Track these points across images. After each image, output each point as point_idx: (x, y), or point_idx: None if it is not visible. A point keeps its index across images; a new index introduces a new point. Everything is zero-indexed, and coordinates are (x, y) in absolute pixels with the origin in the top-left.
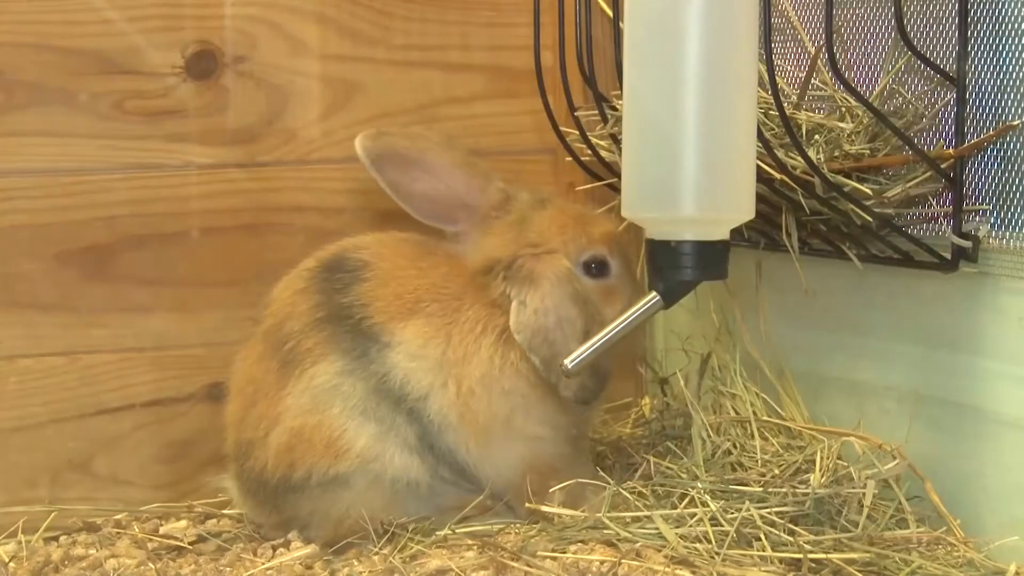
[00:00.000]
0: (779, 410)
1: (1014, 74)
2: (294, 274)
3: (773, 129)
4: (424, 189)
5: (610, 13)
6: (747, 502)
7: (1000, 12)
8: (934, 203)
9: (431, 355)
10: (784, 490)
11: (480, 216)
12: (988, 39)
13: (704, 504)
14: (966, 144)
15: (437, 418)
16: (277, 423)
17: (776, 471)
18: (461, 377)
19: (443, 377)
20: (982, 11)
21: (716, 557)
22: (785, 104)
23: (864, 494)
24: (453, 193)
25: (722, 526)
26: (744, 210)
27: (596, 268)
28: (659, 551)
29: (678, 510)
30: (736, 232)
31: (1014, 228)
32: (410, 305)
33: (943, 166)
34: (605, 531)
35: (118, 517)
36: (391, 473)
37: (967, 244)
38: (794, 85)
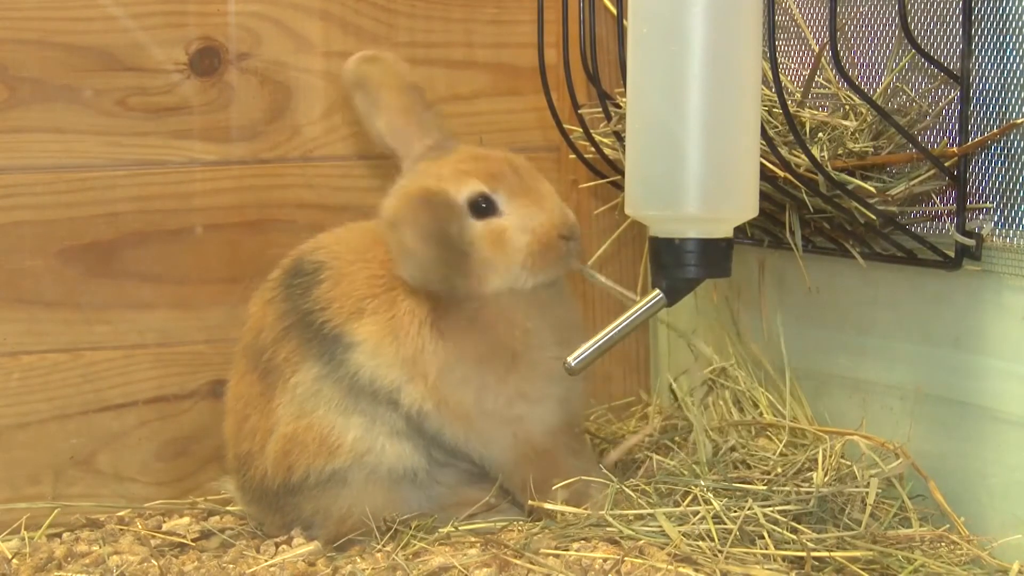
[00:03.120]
0: (782, 408)
1: (1018, 72)
2: (264, 286)
3: (777, 127)
4: (379, 126)
5: (614, 11)
6: (750, 500)
7: (1004, 10)
8: (938, 201)
9: (387, 352)
10: (787, 488)
11: (404, 169)
12: (992, 37)
13: (707, 502)
14: (970, 142)
15: (414, 408)
16: (272, 433)
17: (779, 469)
18: (424, 373)
19: (407, 373)
20: (986, 9)
21: (719, 555)
22: (789, 102)
23: (867, 492)
24: (392, 135)
25: (725, 524)
26: (748, 208)
27: (485, 206)
28: (662, 549)
29: (681, 508)
30: (739, 230)
31: (1018, 226)
32: (357, 303)
33: (947, 164)
34: (608, 529)
35: (121, 514)
36: (387, 464)
37: (970, 242)
38: (798, 83)
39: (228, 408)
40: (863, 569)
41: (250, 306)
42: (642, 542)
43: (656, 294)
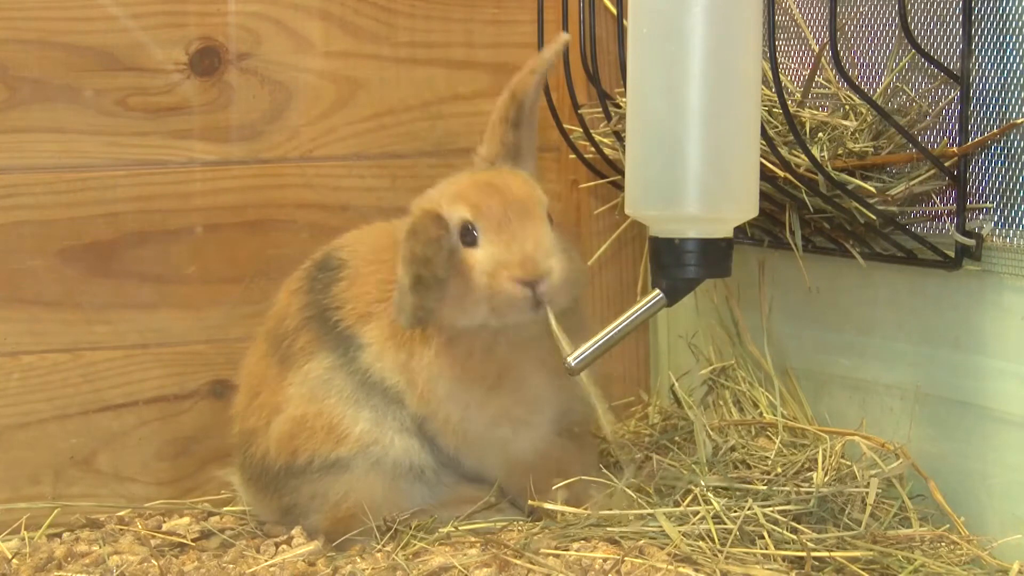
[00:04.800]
0: (782, 408)
1: (1018, 72)
2: (294, 275)
3: (777, 127)
4: None
5: (614, 11)
6: (750, 500)
7: (1004, 10)
8: (938, 201)
9: (389, 357)
10: (787, 488)
11: None
12: (992, 37)
13: (707, 502)
14: (970, 142)
15: (415, 411)
16: (279, 411)
17: (779, 469)
18: (415, 381)
19: (406, 378)
20: (986, 9)
21: (719, 555)
22: (789, 102)
23: (867, 493)
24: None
25: (725, 524)
26: (748, 208)
27: (475, 233)
28: (662, 549)
29: (681, 508)
30: (739, 230)
31: (1017, 226)
32: (367, 306)
33: (947, 164)
34: (608, 528)
35: (121, 514)
36: (392, 456)
37: (970, 242)
38: (798, 83)
39: (241, 383)
40: (863, 569)
41: (280, 293)
42: (642, 542)
43: (656, 294)
